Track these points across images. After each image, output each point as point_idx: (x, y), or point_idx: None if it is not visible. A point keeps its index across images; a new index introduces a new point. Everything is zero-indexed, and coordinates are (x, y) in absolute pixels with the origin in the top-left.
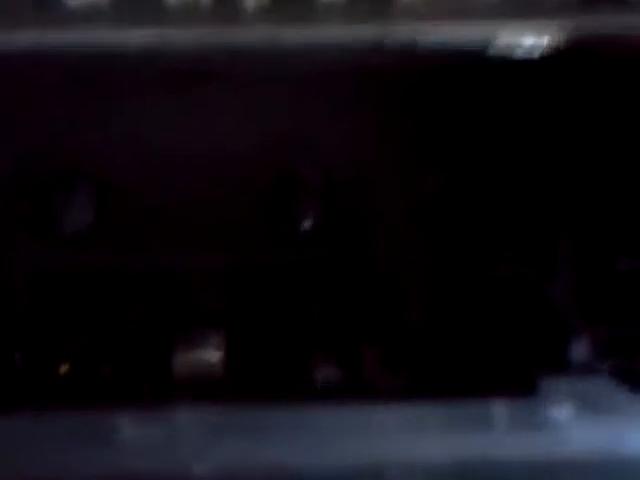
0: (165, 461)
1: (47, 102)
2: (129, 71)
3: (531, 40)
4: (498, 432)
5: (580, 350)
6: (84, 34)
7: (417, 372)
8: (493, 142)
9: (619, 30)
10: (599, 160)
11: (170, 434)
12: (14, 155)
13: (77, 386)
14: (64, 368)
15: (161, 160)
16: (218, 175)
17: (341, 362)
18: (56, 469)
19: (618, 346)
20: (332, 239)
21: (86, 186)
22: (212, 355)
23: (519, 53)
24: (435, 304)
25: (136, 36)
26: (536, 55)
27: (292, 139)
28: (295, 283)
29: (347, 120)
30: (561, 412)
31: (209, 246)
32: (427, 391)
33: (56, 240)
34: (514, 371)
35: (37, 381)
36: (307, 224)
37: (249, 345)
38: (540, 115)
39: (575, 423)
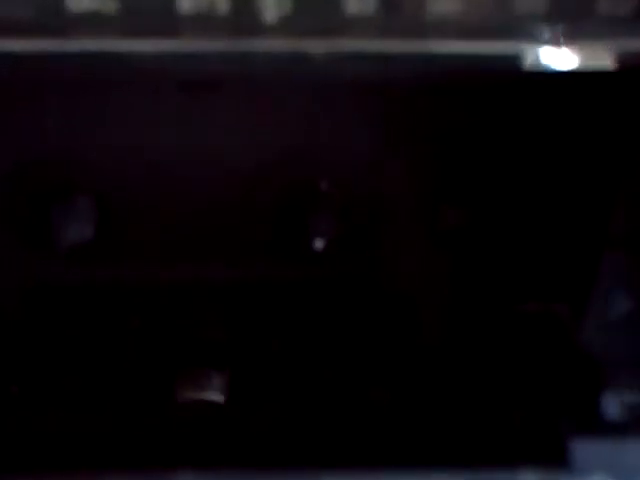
0: None
1: (47, 111)
2: (134, 81)
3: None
4: None
5: (614, 406)
6: (87, 42)
7: (428, 413)
8: (524, 167)
9: None
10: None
11: None
12: (12, 166)
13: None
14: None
15: (167, 172)
16: (227, 188)
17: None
18: None
19: None
20: (345, 259)
21: (86, 199)
22: (215, 396)
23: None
24: (451, 336)
25: (142, 45)
26: (574, 77)
27: (307, 153)
28: (304, 303)
29: (366, 135)
30: None
31: (215, 262)
32: (440, 440)
33: (53, 254)
34: (540, 427)
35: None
36: (320, 242)
37: (253, 380)
38: (575, 139)
39: None
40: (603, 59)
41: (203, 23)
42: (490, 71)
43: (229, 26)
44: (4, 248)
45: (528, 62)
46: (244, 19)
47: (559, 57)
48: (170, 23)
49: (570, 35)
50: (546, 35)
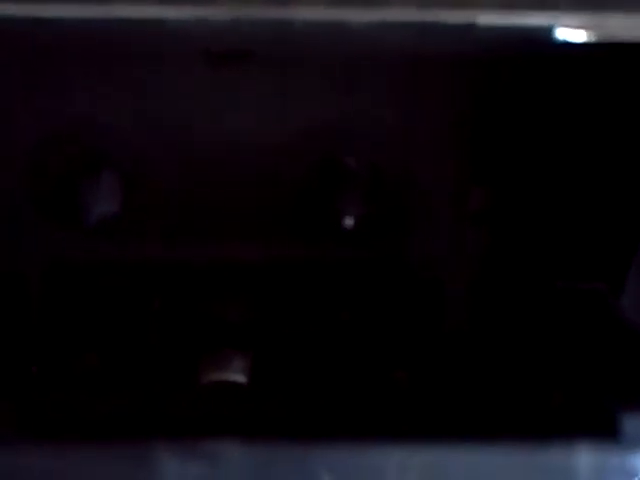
0: None
1: (74, 83)
2: (163, 51)
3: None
4: None
5: None
6: (116, 9)
7: (467, 393)
8: (558, 142)
9: None
10: None
11: (214, 469)
12: (37, 139)
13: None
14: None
15: (193, 147)
16: (254, 163)
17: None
18: None
19: None
20: (373, 239)
21: (112, 173)
22: (238, 377)
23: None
24: (486, 315)
25: (172, 13)
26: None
27: (337, 128)
28: (329, 284)
29: (399, 111)
30: None
31: (241, 240)
32: (484, 419)
33: (77, 230)
34: (585, 404)
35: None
36: (350, 220)
37: (276, 361)
38: (610, 114)
39: None
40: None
41: None
42: (526, 43)
43: None
44: (28, 223)
45: (563, 34)
46: None
47: (593, 29)
48: None
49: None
50: (580, 6)
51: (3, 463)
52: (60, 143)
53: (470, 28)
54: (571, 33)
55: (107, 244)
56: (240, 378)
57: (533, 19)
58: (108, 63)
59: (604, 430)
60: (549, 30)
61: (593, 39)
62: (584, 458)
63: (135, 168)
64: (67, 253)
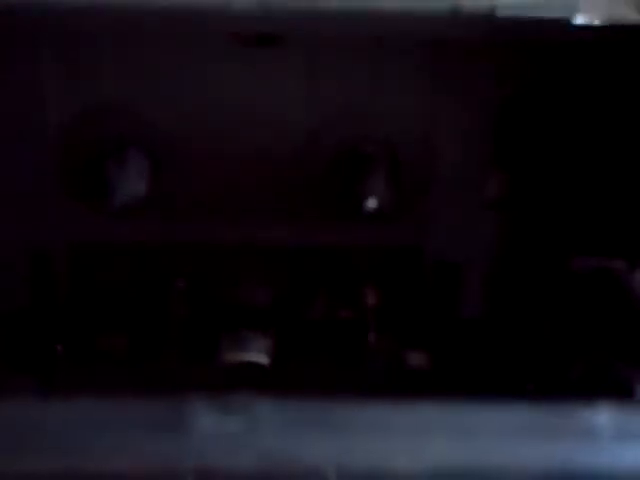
0: (243, 452)
1: (104, 66)
2: (190, 33)
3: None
4: (601, 440)
5: None
6: None
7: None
8: (576, 124)
9: None
10: None
11: (248, 425)
12: (65, 120)
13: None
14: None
15: (221, 130)
16: (278, 147)
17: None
18: (128, 457)
19: None
20: (394, 223)
21: (140, 155)
22: (260, 358)
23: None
24: (499, 298)
25: None
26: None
27: (363, 112)
28: (351, 266)
29: (421, 96)
30: None
31: (265, 223)
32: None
33: (104, 210)
34: (602, 377)
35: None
36: (373, 202)
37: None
38: (627, 96)
39: None
40: None
41: None
42: (545, 29)
43: None
44: (56, 205)
45: (582, 17)
46: None
47: (611, 12)
48: None
49: None
50: None
51: (37, 414)
52: (89, 125)
53: (491, 14)
54: (588, 18)
55: (133, 225)
56: (262, 359)
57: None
58: (138, 47)
59: (622, 394)
60: (568, 17)
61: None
62: (605, 418)
63: (163, 150)
64: (93, 234)
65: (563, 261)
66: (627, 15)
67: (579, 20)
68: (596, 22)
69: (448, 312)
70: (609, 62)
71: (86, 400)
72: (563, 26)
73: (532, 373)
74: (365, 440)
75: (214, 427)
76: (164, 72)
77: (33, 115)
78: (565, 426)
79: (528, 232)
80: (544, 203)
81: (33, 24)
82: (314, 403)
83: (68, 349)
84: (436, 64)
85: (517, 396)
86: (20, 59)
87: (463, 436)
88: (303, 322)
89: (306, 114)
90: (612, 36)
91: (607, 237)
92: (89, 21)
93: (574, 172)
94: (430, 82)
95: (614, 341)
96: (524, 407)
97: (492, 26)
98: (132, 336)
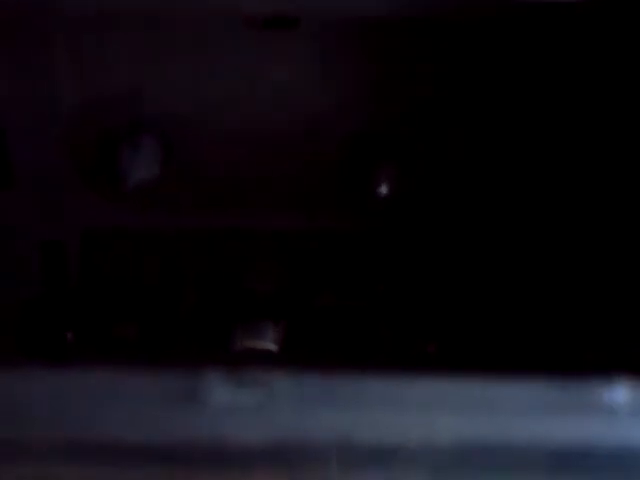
0: (259, 426)
1: (116, 51)
2: (203, 16)
3: None
4: (617, 417)
5: None
6: None
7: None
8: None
9: None
10: None
11: (264, 399)
12: (79, 107)
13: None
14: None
15: (233, 116)
16: (292, 132)
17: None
18: (142, 429)
19: None
20: (405, 212)
21: (152, 140)
22: (270, 346)
23: None
24: (517, 282)
25: None
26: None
27: (375, 96)
28: (364, 252)
29: (436, 80)
30: None
31: (275, 211)
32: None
33: (117, 197)
34: (617, 356)
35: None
36: (385, 188)
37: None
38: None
39: None
40: None
41: None
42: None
43: None
44: (69, 192)
45: None
46: None
47: None
48: None
49: None
50: None
51: (51, 385)
52: (101, 110)
53: None
54: None
55: (145, 212)
56: (272, 347)
57: None
58: (152, 31)
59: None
60: None
61: None
62: (622, 395)
63: (175, 136)
64: (105, 222)
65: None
66: None
67: None
68: None
69: (460, 299)
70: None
71: (101, 373)
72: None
73: (547, 352)
74: (380, 415)
75: (229, 400)
76: (177, 56)
77: (46, 101)
78: (581, 403)
79: (540, 215)
80: (559, 189)
81: (46, 10)
82: (331, 378)
83: (79, 336)
84: (450, 50)
85: (533, 373)
86: (33, 45)
87: (478, 412)
88: (313, 309)
89: (320, 98)
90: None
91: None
92: (103, 6)
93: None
94: (445, 71)
95: (629, 319)
96: (540, 384)
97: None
98: (143, 324)
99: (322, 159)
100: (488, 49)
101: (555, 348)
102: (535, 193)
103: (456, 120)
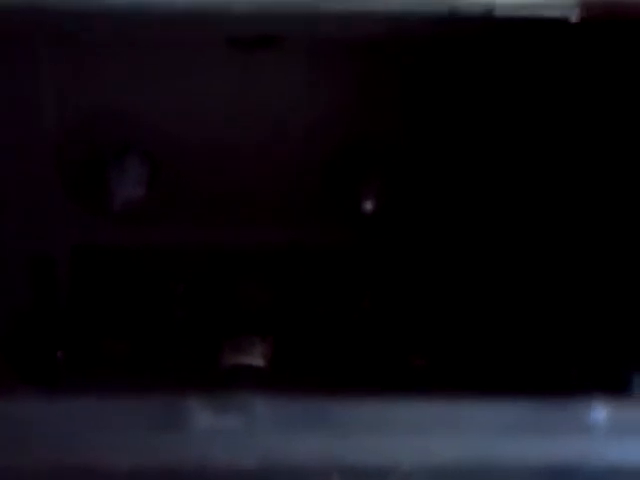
0: (242, 450)
1: (102, 70)
2: (188, 36)
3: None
4: (597, 436)
5: None
6: None
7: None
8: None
9: None
10: None
11: (247, 423)
12: (66, 124)
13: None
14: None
15: (219, 132)
16: (277, 148)
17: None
18: (127, 455)
19: None
20: (392, 224)
21: (139, 158)
22: (258, 362)
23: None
24: (503, 296)
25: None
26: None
27: (358, 113)
28: (349, 267)
29: (419, 95)
30: None
31: (262, 226)
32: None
33: (104, 213)
34: (601, 370)
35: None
36: (370, 204)
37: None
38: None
39: None
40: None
41: None
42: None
43: None
44: (56, 208)
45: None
46: None
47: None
48: None
49: None
50: None
51: (36, 412)
52: (88, 129)
53: (489, 14)
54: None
55: (133, 229)
56: (259, 363)
57: None
58: (138, 50)
59: (618, 390)
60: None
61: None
62: (602, 414)
63: (161, 153)
64: (94, 238)
65: (561, 266)
66: None
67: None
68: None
69: (447, 315)
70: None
71: (85, 399)
72: (561, 25)
73: (530, 370)
74: (365, 438)
75: (212, 425)
76: (163, 75)
77: (33, 119)
78: (562, 422)
79: (537, 228)
80: (556, 201)
81: (32, 27)
82: (313, 401)
83: (70, 354)
84: (436, 65)
85: (516, 391)
86: (19, 62)
87: (463, 432)
88: (299, 324)
89: (304, 115)
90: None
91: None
92: (88, 24)
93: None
94: (430, 83)
95: (610, 337)
96: (521, 403)
97: (490, 26)
98: (134, 340)
99: (307, 175)
100: (475, 66)
101: (539, 366)
102: (523, 210)
103: (443, 135)
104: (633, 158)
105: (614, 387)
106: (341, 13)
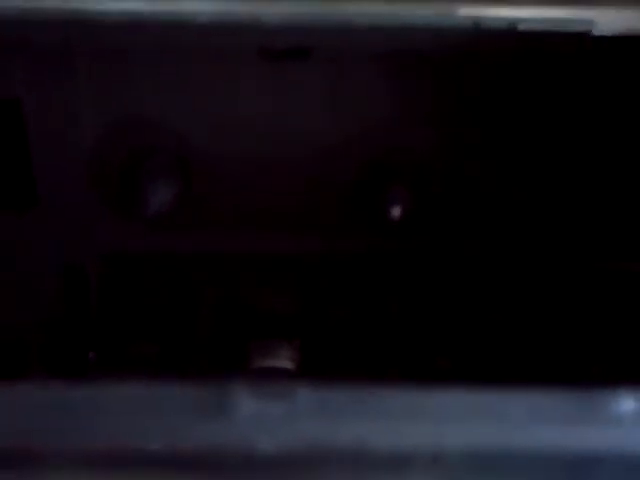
0: (284, 436)
1: (137, 78)
2: (220, 47)
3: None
4: (625, 427)
5: None
6: (175, 4)
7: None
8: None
9: None
10: None
11: (289, 410)
12: (98, 131)
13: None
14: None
15: (250, 142)
16: (306, 158)
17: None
18: (169, 441)
19: None
20: (419, 233)
21: (171, 165)
22: (286, 365)
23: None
24: (527, 301)
25: (230, 8)
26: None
27: (387, 124)
28: (377, 275)
29: (445, 107)
30: None
31: (290, 233)
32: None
33: (135, 220)
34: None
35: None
36: (397, 211)
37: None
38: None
39: None
40: None
41: None
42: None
43: None
44: (90, 216)
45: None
46: None
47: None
48: None
49: None
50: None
51: (81, 397)
52: (122, 137)
53: (513, 29)
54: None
55: (164, 236)
56: (287, 365)
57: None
58: (170, 60)
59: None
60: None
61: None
62: (628, 404)
63: (194, 162)
64: (125, 245)
65: (583, 264)
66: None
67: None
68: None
69: (473, 316)
70: (627, 75)
71: (134, 385)
72: (582, 39)
73: (556, 364)
74: (402, 424)
75: (256, 411)
76: (195, 85)
77: (68, 127)
78: (589, 413)
79: (548, 233)
80: (567, 202)
81: (67, 38)
82: (352, 389)
83: (100, 357)
84: (461, 77)
85: (542, 384)
86: (56, 72)
87: (489, 422)
88: (331, 329)
89: (334, 126)
90: (630, 48)
91: (627, 239)
92: (122, 35)
93: (594, 171)
94: (455, 93)
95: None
96: (548, 395)
97: (514, 40)
98: (163, 344)
99: (336, 184)
100: (500, 78)
101: (564, 360)
102: (548, 217)
103: (470, 146)
104: None
105: (637, 378)
106: (370, 26)
